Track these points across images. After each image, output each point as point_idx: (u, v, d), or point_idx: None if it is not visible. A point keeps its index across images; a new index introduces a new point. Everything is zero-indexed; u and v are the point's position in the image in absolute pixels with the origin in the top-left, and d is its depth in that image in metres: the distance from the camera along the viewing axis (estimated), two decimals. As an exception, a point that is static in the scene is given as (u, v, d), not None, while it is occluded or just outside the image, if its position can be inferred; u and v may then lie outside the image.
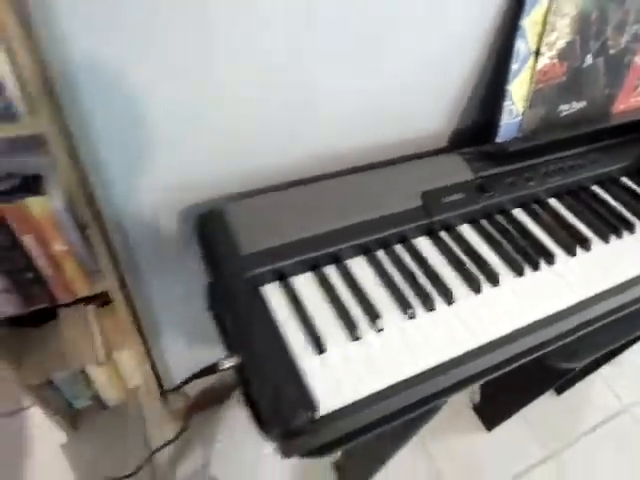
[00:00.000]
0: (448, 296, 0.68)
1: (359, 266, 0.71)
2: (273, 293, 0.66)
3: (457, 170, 0.83)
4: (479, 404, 1.49)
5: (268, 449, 1.09)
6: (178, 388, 0.94)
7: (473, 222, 0.81)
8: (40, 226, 0.72)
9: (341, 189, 0.74)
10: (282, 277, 0.67)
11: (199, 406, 1.35)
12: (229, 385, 1.36)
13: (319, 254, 0.69)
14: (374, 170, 0.78)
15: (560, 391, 1.57)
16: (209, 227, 0.67)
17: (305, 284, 0.68)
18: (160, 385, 1.29)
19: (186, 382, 0.70)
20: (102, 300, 1.07)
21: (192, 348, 1.10)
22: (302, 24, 0.60)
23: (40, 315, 1.05)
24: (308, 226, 0.69)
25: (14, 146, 0.65)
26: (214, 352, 1.15)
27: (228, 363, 0.66)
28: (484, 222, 0.80)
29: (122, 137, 0.61)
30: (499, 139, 0.84)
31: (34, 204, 0.69)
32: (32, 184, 0.69)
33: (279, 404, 0.56)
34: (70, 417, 1.26)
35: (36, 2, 0.50)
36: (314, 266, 0.69)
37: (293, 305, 0.64)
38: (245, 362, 0.64)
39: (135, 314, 1.01)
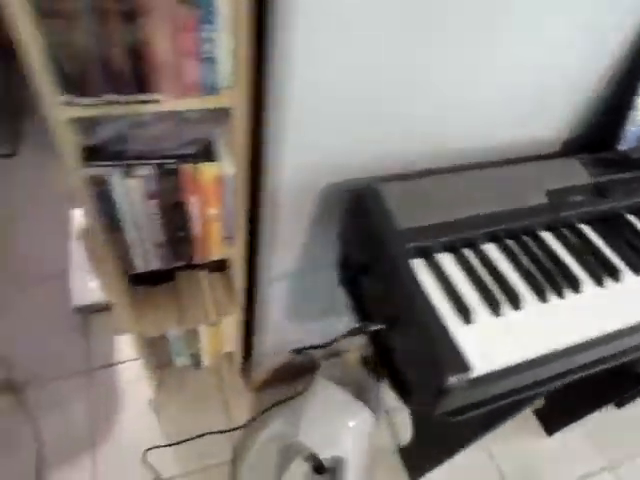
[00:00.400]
0: (575, 286, 0.73)
1: (492, 251, 0.77)
2: (420, 267, 0.72)
3: (577, 173, 0.88)
4: (542, 408, 1.52)
5: (353, 422, 1.16)
6: (309, 349, 1.02)
7: (591, 223, 0.86)
8: (205, 189, 0.80)
9: (476, 180, 0.81)
10: (427, 254, 0.74)
11: (275, 379, 1.43)
12: (300, 364, 1.42)
13: (459, 237, 0.75)
14: (503, 166, 0.84)
15: (620, 404, 1.59)
16: (365, 203, 0.74)
17: (448, 262, 0.74)
18: (246, 355, 1.37)
19: (329, 344, 0.77)
20: (213, 266, 1.16)
21: (290, 323, 1.17)
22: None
23: (157, 275, 1.15)
24: (450, 211, 0.76)
25: (205, 116, 0.74)
26: (307, 328, 1.23)
27: (373, 327, 0.73)
28: (602, 224, 0.85)
29: (307, 117, 0.69)
30: (622, 146, 0.89)
31: (207, 169, 0.77)
32: (208, 150, 0.78)
33: (435, 364, 0.62)
34: (164, 373, 1.36)
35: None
36: (453, 247, 0.76)
37: (440, 280, 0.71)
38: (395, 328, 0.71)
39: (248, 283, 1.09)
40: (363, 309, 0.82)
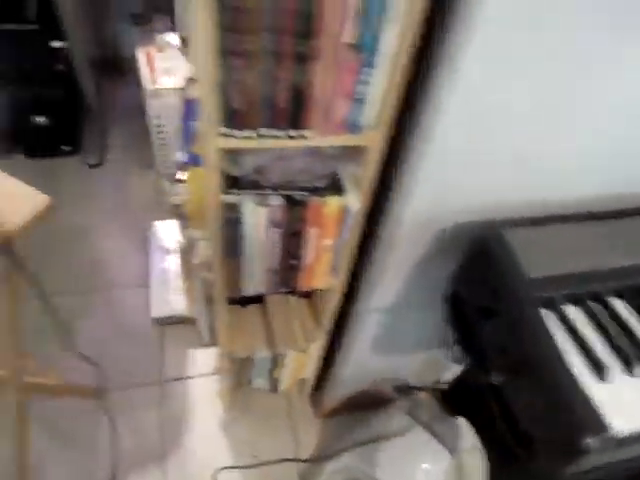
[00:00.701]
0: None
1: (620, 306, 0.75)
2: (548, 318, 0.71)
3: None
4: None
5: (431, 464, 1.14)
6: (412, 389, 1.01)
7: None
8: (327, 221, 0.82)
9: (607, 230, 0.79)
10: (553, 305, 0.72)
11: (344, 408, 1.41)
12: (371, 394, 1.41)
13: (588, 289, 0.73)
14: (629, 217, 0.82)
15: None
16: (491, 247, 0.74)
17: (575, 315, 0.72)
18: (318, 382, 1.37)
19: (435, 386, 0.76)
20: (301, 291, 1.17)
21: (374, 355, 1.16)
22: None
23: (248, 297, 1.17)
24: (579, 261, 0.74)
25: (339, 151, 0.75)
26: (389, 360, 1.22)
27: (494, 378, 0.72)
28: None
29: (449, 158, 0.70)
30: None
31: (333, 202, 0.79)
32: (336, 184, 0.79)
33: (572, 423, 0.60)
34: (236, 392, 1.37)
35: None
36: (580, 300, 0.74)
37: (570, 333, 0.69)
38: (518, 379, 0.70)
39: (340, 311, 1.10)
40: (474, 350, 0.81)
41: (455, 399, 1.30)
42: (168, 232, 1.70)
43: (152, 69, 1.80)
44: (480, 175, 0.74)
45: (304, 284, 0.95)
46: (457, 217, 0.80)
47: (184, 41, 1.64)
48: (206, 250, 1.06)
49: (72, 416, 1.33)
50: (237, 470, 1.31)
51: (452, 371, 1.34)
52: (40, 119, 1.83)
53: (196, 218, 1.02)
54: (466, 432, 1.19)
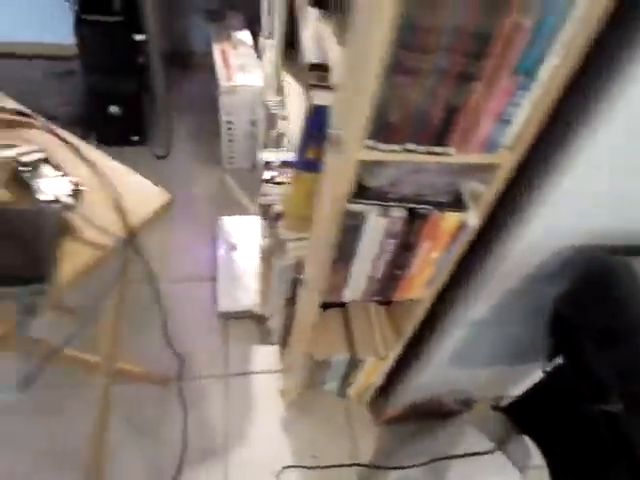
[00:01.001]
0: None
1: None
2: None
3: None
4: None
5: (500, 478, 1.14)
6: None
7: None
8: (441, 236, 0.82)
9: None
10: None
11: (404, 416, 1.42)
12: (430, 403, 1.41)
13: None
14: None
15: None
16: (616, 275, 0.73)
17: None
18: (381, 389, 1.38)
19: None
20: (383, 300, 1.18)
21: (449, 367, 1.17)
22: None
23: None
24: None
25: (468, 168, 0.76)
26: (460, 374, 1.22)
27: (612, 408, 0.71)
28: None
29: (590, 182, 0.70)
30: None
31: (452, 217, 0.79)
32: (458, 200, 0.80)
33: None
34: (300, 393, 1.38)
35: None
36: None
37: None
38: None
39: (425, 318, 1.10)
40: (582, 374, 0.81)
41: (521, 416, 1.29)
42: (235, 228, 1.73)
43: (227, 66, 1.83)
44: (615, 200, 0.74)
45: (400, 294, 0.96)
46: (576, 239, 0.80)
47: (268, 37, 1.65)
48: (298, 252, 1.07)
49: (146, 403, 1.37)
50: (298, 470, 1.32)
51: (517, 387, 1.33)
52: (114, 109, 1.87)
53: (293, 220, 1.04)
54: (533, 450, 1.19)
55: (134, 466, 1.27)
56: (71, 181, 0.83)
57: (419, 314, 1.06)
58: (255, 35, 1.98)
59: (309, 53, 0.99)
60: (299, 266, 1.08)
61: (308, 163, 0.90)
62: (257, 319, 1.56)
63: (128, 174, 0.87)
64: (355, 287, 0.93)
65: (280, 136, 1.42)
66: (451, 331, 1.04)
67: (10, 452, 1.24)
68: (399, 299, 0.97)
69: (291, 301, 1.19)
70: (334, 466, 1.31)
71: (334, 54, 0.86)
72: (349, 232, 0.80)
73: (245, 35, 1.99)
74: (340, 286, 0.92)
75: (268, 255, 1.23)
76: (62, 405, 1.33)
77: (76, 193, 0.82)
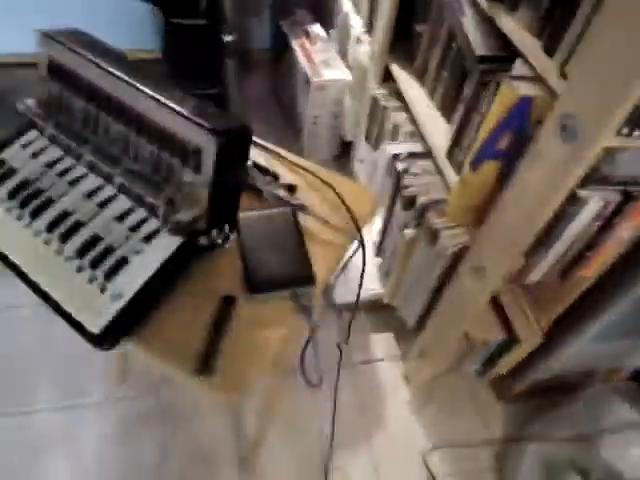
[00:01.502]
0: None
1: None
2: None
3: None
4: None
5: None
6: None
7: None
8: (643, 216, 0.86)
9: None
10: None
11: (529, 392, 1.47)
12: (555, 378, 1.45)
13: None
14: None
15: None
16: None
17: None
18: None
19: None
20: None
21: (590, 344, 1.21)
22: None
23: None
24: None
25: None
26: (599, 349, 1.26)
27: None
28: None
29: None
30: None
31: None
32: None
33: None
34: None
35: None
36: None
37: None
38: None
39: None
40: None
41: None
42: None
43: (311, 61, 1.84)
44: None
45: (578, 274, 1.00)
46: None
47: (366, 30, 1.67)
48: (455, 240, 1.11)
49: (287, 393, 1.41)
50: (441, 451, 1.37)
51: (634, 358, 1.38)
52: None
53: (457, 209, 1.07)
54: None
55: (284, 455, 1.31)
56: (285, 184, 0.86)
57: (577, 292, 1.10)
58: (327, 29, 2.00)
59: (476, 44, 1.02)
60: (458, 255, 1.12)
61: (498, 152, 0.93)
62: (373, 309, 1.60)
63: (331, 175, 0.90)
64: (540, 270, 0.97)
65: (395, 127, 1.45)
66: (614, 306, 1.08)
67: (162, 453, 1.28)
68: (572, 279, 1.01)
69: (438, 289, 1.23)
70: (482, 444, 1.36)
71: (525, 46, 0.88)
72: (563, 218, 0.84)
73: (319, 29, 2.00)
74: (527, 271, 0.96)
75: (410, 246, 1.27)
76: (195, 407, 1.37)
77: (293, 194, 0.85)
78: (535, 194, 0.85)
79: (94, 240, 0.68)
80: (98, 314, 0.63)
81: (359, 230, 0.81)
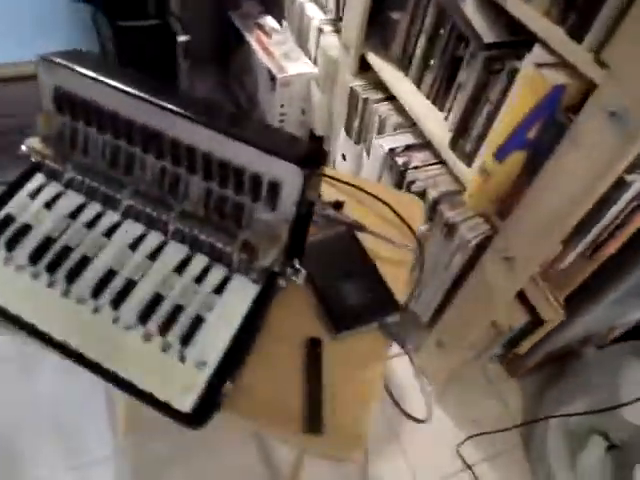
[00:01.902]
0: None
1: None
2: None
3: None
4: None
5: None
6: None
7: None
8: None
9: None
10: None
11: (537, 365, 1.52)
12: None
13: None
14: None
15: None
16: None
17: None
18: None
19: None
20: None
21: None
22: None
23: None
24: None
25: None
26: (610, 313, 1.32)
27: None
28: None
29: None
30: None
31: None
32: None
33: None
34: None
35: None
36: None
37: None
38: None
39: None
40: None
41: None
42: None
43: (270, 55, 1.75)
44: None
45: (604, 253, 1.02)
46: None
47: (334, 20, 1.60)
48: (475, 232, 1.10)
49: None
50: (471, 440, 1.38)
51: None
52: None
53: (485, 201, 1.05)
54: None
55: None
56: (329, 202, 0.79)
57: (596, 266, 1.13)
58: (278, 20, 1.90)
59: (482, 31, 0.99)
60: (480, 246, 1.11)
61: (527, 142, 0.91)
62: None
63: (374, 185, 0.84)
64: (573, 255, 0.97)
65: (382, 120, 1.41)
66: (632, 274, 1.12)
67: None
68: (601, 257, 1.04)
69: (457, 281, 1.22)
70: (507, 425, 1.39)
71: (545, 31, 0.87)
72: (606, 202, 0.84)
73: (271, 21, 1.90)
74: (561, 258, 0.97)
75: (423, 241, 1.24)
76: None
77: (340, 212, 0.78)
78: (576, 181, 0.85)
79: (156, 300, 0.58)
80: (185, 389, 0.54)
81: (420, 244, 0.77)
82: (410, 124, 1.37)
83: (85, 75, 0.59)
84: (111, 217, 0.63)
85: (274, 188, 0.56)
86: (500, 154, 0.96)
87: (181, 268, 0.60)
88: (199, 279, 0.60)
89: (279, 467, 1.24)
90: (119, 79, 0.59)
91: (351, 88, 1.49)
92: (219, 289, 0.59)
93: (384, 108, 1.42)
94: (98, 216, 0.63)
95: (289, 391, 0.59)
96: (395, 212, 0.79)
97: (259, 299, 0.58)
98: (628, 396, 1.27)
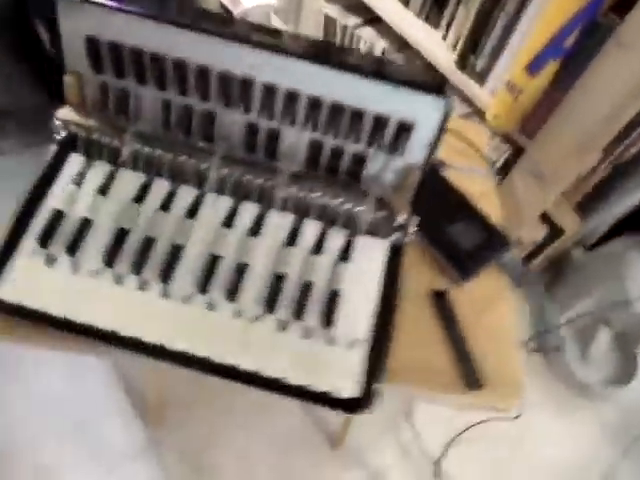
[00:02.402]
0: None
1: None
2: None
3: None
4: None
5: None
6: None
7: None
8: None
9: None
10: None
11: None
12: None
13: None
14: None
15: None
16: None
17: None
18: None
19: None
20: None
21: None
22: None
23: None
24: None
25: None
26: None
27: None
28: None
29: None
30: None
31: None
32: None
33: None
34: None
35: None
36: None
37: None
38: None
39: None
40: None
41: None
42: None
43: (218, -12, 1.55)
44: None
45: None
46: None
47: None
48: (499, 151, 1.07)
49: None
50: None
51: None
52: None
53: (512, 118, 1.01)
54: None
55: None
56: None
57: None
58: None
59: None
60: (506, 166, 1.09)
61: (564, 50, 0.87)
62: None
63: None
64: (607, 163, 0.98)
65: (370, 46, 1.31)
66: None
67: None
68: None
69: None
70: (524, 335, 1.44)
71: None
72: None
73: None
74: (596, 170, 0.97)
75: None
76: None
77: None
78: (621, 85, 0.82)
79: (277, 281, 0.49)
80: (342, 373, 0.47)
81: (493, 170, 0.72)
82: (399, 47, 1.28)
83: (134, 13, 0.45)
84: (187, 193, 0.52)
85: (403, 130, 0.47)
86: (534, 67, 0.91)
87: (292, 240, 0.51)
88: (317, 250, 0.51)
89: (326, 429, 1.21)
90: (182, 15, 0.46)
91: (325, 15, 1.36)
92: (344, 256, 0.51)
93: (368, 33, 1.31)
94: (171, 195, 0.52)
95: (433, 351, 0.54)
96: (466, 140, 0.72)
97: (391, 259, 0.51)
98: (635, 289, 1.35)
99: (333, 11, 1.35)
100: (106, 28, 0.47)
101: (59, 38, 0.48)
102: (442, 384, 0.52)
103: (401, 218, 0.49)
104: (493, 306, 0.59)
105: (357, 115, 0.47)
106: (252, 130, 0.50)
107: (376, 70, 0.45)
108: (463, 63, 1.10)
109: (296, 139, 0.50)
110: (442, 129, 0.46)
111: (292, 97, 0.47)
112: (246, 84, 0.47)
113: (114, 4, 0.45)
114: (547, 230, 1.21)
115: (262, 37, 0.45)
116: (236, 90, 0.48)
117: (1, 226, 0.49)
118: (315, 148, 0.50)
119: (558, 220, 1.20)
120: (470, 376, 0.52)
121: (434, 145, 0.48)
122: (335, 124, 0.48)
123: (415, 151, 0.49)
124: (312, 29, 1.44)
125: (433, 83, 0.45)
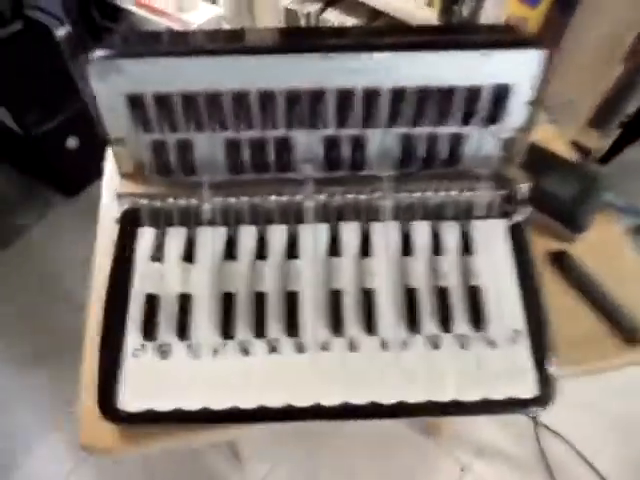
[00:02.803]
0: None
1: None
2: None
3: None
4: None
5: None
6: None
7: None
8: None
9: None
10: None
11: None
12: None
13: None
14: None
15: None
16: None
17: None
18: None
19: None
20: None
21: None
22: None
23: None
24: None
25: None
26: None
27: None
28: None
29: None
30: None
31: None
32: None
33: None
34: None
35: None
36: None
37: None
38: None
39: None
40: None
41: None
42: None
43: (162, 14, 1.48)
44: None
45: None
46: None
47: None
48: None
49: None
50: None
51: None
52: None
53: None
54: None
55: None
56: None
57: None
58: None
59: None
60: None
61: None
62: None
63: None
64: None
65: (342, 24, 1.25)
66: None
67: None
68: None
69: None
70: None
71: None
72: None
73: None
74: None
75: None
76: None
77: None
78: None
79: (408, 297, 0.44)
80: (514, 374, 0.43)
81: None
82: (371, 19, 1.23)
83: (178, 54, 0.39)
84: (277, 233, 0.47)
85: (500, 95, 0.42)
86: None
87: (407, 247, 0.46)
88: (436, 249, 0.46)
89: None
90: (218, 43, 0.41)
91: (285, 9, 1.30)
92: (466, 248, 0.46)
93: (334, 15, 1.26)
94: (261, 240, 0.46)
95: (579, 317, 0.50)
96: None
97: (516, 236, 0.47)
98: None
99: (291, 3, 1.29)
100: (148, 79, 0.41)
101: (96, 106, 0.42)
102: (602, 349, 0.48)
103: (524, 189, 0.44)
104: (619, 247, 0.55)
105: (447, 94, 0.42)
106: (332, 144, 0.45)
107: (457, 40, 0.40)
108: (447, 13, 1.05)
109: (383, 140, 0.44)
110: (546, 80, 0.41)
111: (372, 95, 0.42)
112: (317, 95, 0.42)
113: (153, 49, 0.39)
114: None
115: (329, 40, 0.40)
116: (306, 105, 0.42)
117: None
118: (407, 143, 0.45)
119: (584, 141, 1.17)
120: (628, 330, 0.48)
121: (538, 100, 0.43)
122: (423, 111, 0.43)
123: (516, 114, 0.44)
124: (279, 22, 1.38)
125: (524, 37, 0.40)
